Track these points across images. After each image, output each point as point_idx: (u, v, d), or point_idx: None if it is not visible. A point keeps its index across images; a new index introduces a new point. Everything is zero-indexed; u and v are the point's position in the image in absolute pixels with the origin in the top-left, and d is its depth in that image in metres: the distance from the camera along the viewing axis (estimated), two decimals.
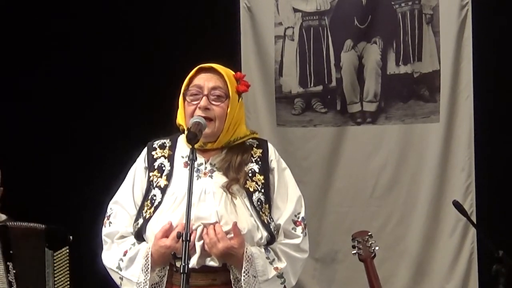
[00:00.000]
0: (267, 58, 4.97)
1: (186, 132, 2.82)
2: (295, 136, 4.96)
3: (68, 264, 4.11)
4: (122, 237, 2.90)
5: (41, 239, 4.04)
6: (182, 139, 2.94)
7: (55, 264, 4.06)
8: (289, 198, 2.94)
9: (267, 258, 2.84)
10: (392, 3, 4.83)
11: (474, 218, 4.58)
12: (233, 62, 3.73)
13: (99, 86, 4.96)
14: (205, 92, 2.88)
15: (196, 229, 2.77)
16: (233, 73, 2.98)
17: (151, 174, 2.92)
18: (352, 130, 4.92)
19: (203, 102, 2.87)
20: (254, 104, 4.83)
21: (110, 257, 2.90)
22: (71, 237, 4.11)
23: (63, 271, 4.09)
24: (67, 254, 4.11)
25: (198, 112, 2.86)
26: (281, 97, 4.98)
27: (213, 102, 2.88)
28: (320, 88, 4.95)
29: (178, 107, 2.95)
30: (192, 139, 2.72)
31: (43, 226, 4.05)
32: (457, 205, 3.75)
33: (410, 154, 4.83)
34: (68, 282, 4.11)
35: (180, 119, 2.94)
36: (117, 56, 4.93)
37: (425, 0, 4.79)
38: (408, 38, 4.83)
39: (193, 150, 2.71)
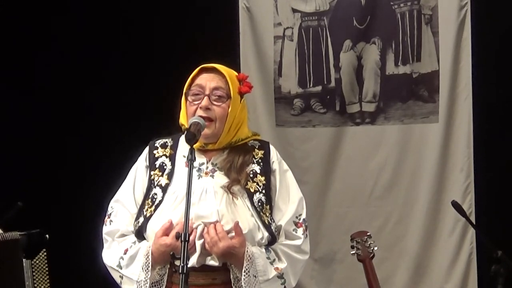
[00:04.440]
0: (266, 59, 4.97)
1: (185, 132, 2.83)
2: (294, 136, 4.96)
3: (47, 267, 3.95)
4: (123, 235, 2.91)
5: (18, 250, 3.83)
6: (183, 139, 2.93)
7: (34, 274, 3.90)
8: (290, 200, 2.94)
9: (268, 258, 2.84)
10: (391, 3, 4.84)
11: (473, 219, 4.59)
12: (232, 63, 3.72)
13: (100, 86, 4.95)
14: (207, 92, 2.88)
15: (196, 228, 2.77)
16: (236, 73, 2.98)
17: (152, 173, 2.93)
18: (351, 130, 4.92)
19: (204, 102, 2.87)
20: (253, 105, 4.83)
21: (110, 255, 2.91)
22: (47, 235, 3.92)
23: (43, 277, 3.94)
24: (45, 256, 3.94)
25: (199, 112, 2.87)
26: (280, 97, 4.98)
27: (214, 103, 2.88)
28: (319, 88, 4.95)
29: (179, 107, 2.96)
30: (191, 139, 2.72)
31: (18, 234, 3.83)
32: (456, 206, 3.77)
33: (409, 155, 4.83)
34: (49, 284, 3.98)
35: (183, 119, 2.94)
36: (117, 56, 4.93)
37: (424, 1, 4.79)
38: (407, 38, 4.83)
39: (192, 150, 2.71)
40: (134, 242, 2.87)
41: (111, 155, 4.60)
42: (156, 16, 4.99)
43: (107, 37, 4.96)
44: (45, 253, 3.96)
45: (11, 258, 3.83)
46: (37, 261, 3.93)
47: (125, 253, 2.86)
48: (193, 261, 2.75)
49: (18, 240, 3.85)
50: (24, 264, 3.86)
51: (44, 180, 4.91)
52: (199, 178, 2.87)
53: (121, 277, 2.87)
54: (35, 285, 3.90)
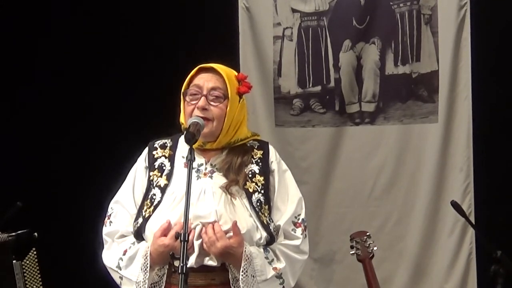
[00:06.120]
0: (266, 59, 4.96)
1: (184, 132, 2.83)
2: (294, 136, 4.95)
3: (38, 266, 3.96)
4: (122, 236, 2.91)
5: (6, 252, 3.84)
6: (183, 139, 2.93)
7: (25, 274, 3.90)
8: (289, 200, 2.94)
9: (266, 258, 2.84)
10: (391, 3, 4.83)
11: (472, 219, 4.58)
12: (232, 63, 3.72)
13: (99, 85, 4.96)
14: (204, 92, 2.89)
15: (194, 228, 2.77)
16: (235, 73, 2.98)
17: (151, 173, 2.93)
18: (350, 130, 4.92)
19: (201, 102, 2.87)
20: (252, 105, 4.83)
21: (110, 256, 2.91)
22: (36, 234, 3.94)
23: (34, 277, 3.95)
24: (35, 256, 3.96)
25: (197, 112, 2.87)
26: (279, 97, 4.98)
27: (212, 103, 2.88)
28: (318, 88, 4.95)
29: (179, 107, 2.96)
30: (190, 139, 2.72)
31: (6, 236, 3.83)
32: (456, 206, 3.76)
33: (409, 155, 4.83)
34: (41, 283, 3.98)
35: (182, 119, 2.95)
36: (117, 56, 4.93)
37: (424, 1, 4.79)
38: (407, 38, 4.83)
39: (191, 150, 2.71)
40: (133, 243, 2.88)
41: (111, 155, 4.60)
42: (156, 16, 4.99)
43: (107, 37, 4.96)
44: (35, 253, 3.95)
45: (1, 259, 3.83)
46: (28, 261, 3.92)
47: (124, 254, 2.87)
48: (191, 261, 2.74)
49: (6, 243, 3.85)
50: (14, 265, 3.86)
51: (44, 180, 4.91)
52: (197, 178, 2.87)
53: (121, 278, 2.88)
54: (27, 286, 3.89)
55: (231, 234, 2.77)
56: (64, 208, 4.88)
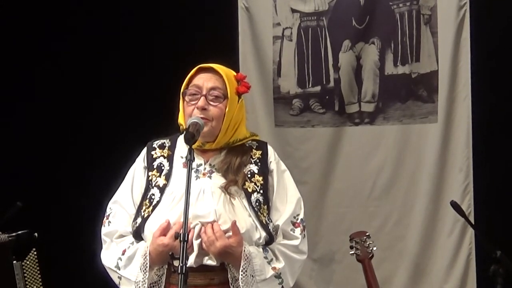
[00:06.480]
0: (265, 59, 4.97)
1: (184, 132, 2.83)
2: (293, 136, 4.96)
3: (38, 267, 3.95)
4: (121, 236, 2.91)
5: (7, 252, 3.84)
6: (181, 139, 2.93)
7: (25, 274, 3.89)
8: (288, 200, 2.95)
9: (265, 257, 2.85)
10: (390, 3, 4.84)
11: (472, 219, 4.59)
12: (231, 63, 3.73)
13: (99, 86, 4.96)
14: (204, 92, 2.89)
15: (194, 228, 2.78)
16: (234, 73, 2.99)
17: (150, 173, 2.93)
18: (350, 130, 4.92)
19: (201, 102, 2.87)
20: (252, 105, 4.83)
21: (109, 256, 2.91)
22: (36, 234, 3.93)
23: (35, 277, 3.94)
24: (36, 256, 3.96)
25: (196, 112, 2.87)
26: (279, 97, 4.98)
27: (211, 103, 2.89)
28: (318, 88, 4.95)
29: (178, 107, 2.96)
30: (189, 139, 2.72)
31: (6, 236, 3.83)
32: (455, 206, 3.76)
33: (408, 155, 4.83)
34: (41, 284, 3.98)
35: (181, 119, 2.95)
36: (116, 56, 4.93)
37: (423, 1, 4.79)
38: (406, 38, 4.83)
39: (190, 150, 2.71)
40: (132, 243, 2.88)
41: (110, 155, 4.60)
42: (156, 16, 4.99)
43: (107, 36, 4.96)
44: (35, 253, 3.95)
45: (0, 262, 3.82)
46: (28, 262, 3.91)
47: (123, 254, 2.86)
48: (191, 261, 2.74)
49: (6, 243, 3.85)
50: (14, 266, 3.85)
51: (44, 180, 4.91)
52: (196, 178, 2.87)
53: (120, 278, 2.87)
54: (27, 286, 3.88)
55: (230, 233, 2.77)
56: (64, 208, 4.88)
